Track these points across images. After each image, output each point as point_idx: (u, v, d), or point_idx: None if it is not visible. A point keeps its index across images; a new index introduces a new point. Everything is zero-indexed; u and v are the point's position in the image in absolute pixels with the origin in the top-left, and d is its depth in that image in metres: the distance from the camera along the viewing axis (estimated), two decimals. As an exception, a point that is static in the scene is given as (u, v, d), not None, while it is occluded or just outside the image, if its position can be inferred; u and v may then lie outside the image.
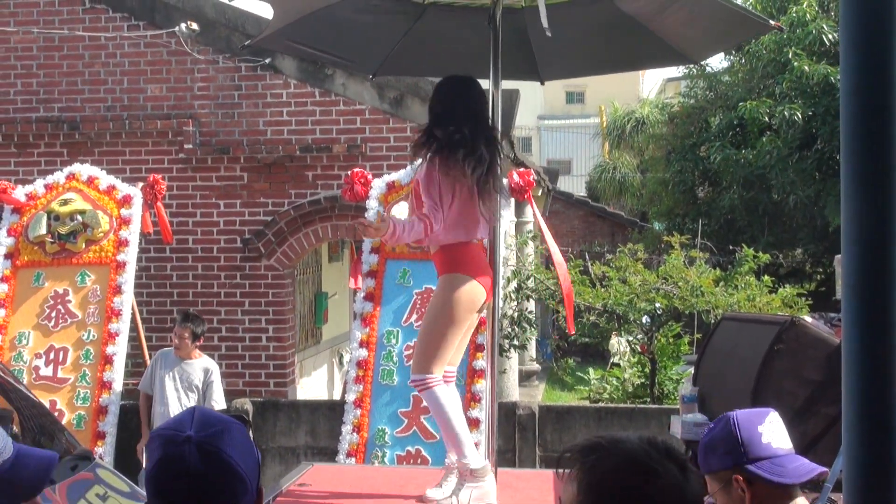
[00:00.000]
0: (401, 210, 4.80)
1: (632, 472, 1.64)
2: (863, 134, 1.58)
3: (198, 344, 7.38)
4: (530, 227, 12.65)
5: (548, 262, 12.73)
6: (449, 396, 4.55)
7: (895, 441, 1.58)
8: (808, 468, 2.50)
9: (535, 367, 14.94)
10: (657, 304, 10.10)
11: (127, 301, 7.99)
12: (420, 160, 4.54)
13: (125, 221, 8.24)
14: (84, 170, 8.54)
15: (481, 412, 7.02)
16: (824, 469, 2.54)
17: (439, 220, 4.37)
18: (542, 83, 5.70)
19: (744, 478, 2.47)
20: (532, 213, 8.18)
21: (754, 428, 2.52)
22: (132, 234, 8.21)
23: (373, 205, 7.98)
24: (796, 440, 5.37)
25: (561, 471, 1.72)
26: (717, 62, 25.54)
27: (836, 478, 4.09)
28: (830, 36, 14.38)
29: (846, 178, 1.59)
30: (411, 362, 4.63)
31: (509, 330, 9.47)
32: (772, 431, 2.54)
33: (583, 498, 1.68)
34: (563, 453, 1.77)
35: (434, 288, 4.71)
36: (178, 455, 1.78)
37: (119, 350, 7.84)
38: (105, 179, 8.46)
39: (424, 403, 4.74)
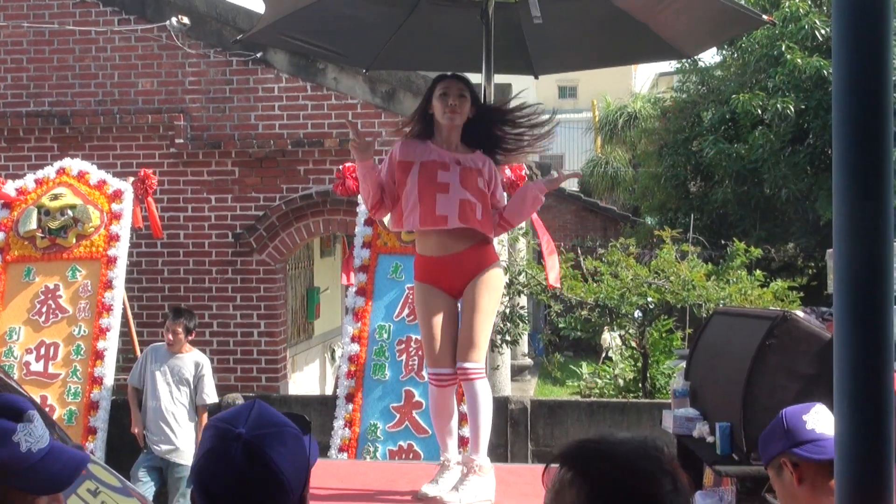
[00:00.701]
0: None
1: (634, 482, 1.63)
2: (855, 128, 1.58)
3: (189, 338, 7.37)
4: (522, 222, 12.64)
5: (539, 256, 12.74)
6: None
7: (886, 434, 1.58)
8: None
9: (528, 362, 14.95)
10: (649, 299, 10.12)
11: (118, 296, 7.97)
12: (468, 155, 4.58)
13: (116, 216, 8.21)
14: (74, 164, 8.50)
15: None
16: None
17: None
18: (536, 77, 5.70)
19: (790, 461, 2.72)
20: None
21: (799, 418, 2.77)
22: (123, 228, 8.18)
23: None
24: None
25: (554, 466, 1.71)
26: (709, 57, 25.55)
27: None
28: (823, 30, 14.38)
29: (838, 172, 1.59)
30: (464, 349, 4.52)
31: (501, 325, 9.47)
32: (816, 420, 2.76)
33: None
34: (559, 455, 1.75)
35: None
36: (224, 451, 1.79)
37: (110, 345, 7.81)
38: (96, 174, 8.42)
39: (475, 394, 4.65)
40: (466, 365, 4.52)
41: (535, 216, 7.23)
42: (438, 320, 4.58)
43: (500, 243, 9.45)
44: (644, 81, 36.75)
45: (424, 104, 4.61)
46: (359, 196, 8.04)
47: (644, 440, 1.69)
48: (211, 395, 7.32)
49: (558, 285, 7.76)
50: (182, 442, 7.18)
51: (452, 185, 4.45)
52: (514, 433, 8.23)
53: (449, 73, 4.63)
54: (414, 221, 4.50)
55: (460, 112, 4.49)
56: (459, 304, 4.65)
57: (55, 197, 8.19)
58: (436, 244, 4.53)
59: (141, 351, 7.98)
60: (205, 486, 1.82)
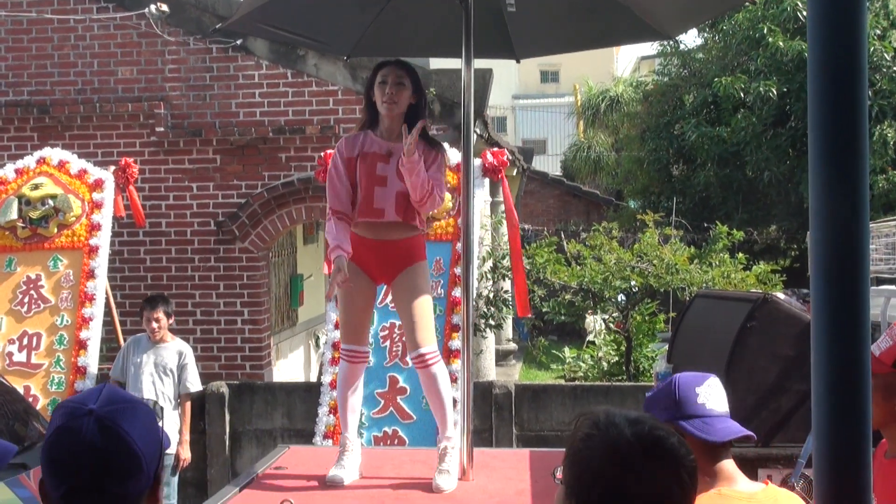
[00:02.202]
0: None
1: (612, 470, 1.62)
2: (831, 111, 1.58)
3: (170, 322, 7.34)
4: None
5: (523, 241, 12.75)
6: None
7: (864, 417, 1.59)
8: (734, 430, 2.61)
9: (512, 346, 14.98)
10: (632, 283, 10.15)
11: (100, 285, 7.93)
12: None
13: (97, 205, 8.17)
14: (55, 154, 8.45)
15: (457, 392, 7.02)
16: (750, 433, 2.63)
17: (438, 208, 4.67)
18: (518, 61, 5.68)
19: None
20: (504, 194, 8.17)
21: (692, 389, 2.64)
22: (104, 218, 8.14)
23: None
24: (769, 416, 5.41)
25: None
26: (691, 39, 25.59)
27: (808, 453, 4.13)
28: (805, 12, 14.40)
29: (814, 155, 1.59)
30: (416, 336, 4.60)
31: (485, 310, 9.48)
32: (708, 394, 2.64)
33: (568, 489, 1.67)
34: (573, 429, 1.75)
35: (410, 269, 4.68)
36: (76, 427, 1.76)
37: (93, 335, 7.78)
38: (76, 163, 8.37)
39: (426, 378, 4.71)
40: (423, 350, 4.60)
41: (513, 240, 7.39)
42: (359, 300, 4.68)
43: (483, 228, 9.47)
44: (626, 65, 36.79)
45: (367, 91, 4.65)
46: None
47: (640, 430, 1.65)
48: (195, 384, 7.30)
49: (529, 314, 7.90)
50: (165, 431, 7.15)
51: (389, 177, 4.52)
52: (499, 418, 8.25)
53: (391, 60, 4.66)
54: (354, 213, 4.59)
55: (398, 101, 4.52)
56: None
57: (36, 187, 8.14)
58: (370, 228, 4.60)
59: (125, 340, 7.95)
60: (56, 463, 1.78)
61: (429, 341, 4.61)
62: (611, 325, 11.61)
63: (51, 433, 1.80)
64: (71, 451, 1.76)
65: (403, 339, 7.34)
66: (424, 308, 4.62)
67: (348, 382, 4.79)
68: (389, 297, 7.56)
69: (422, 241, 4.75)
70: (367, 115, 4.69)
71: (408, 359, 7.27)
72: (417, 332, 4.59)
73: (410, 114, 4.57)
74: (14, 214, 8.06)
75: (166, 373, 7.18)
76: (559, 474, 1.73)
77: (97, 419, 1.76)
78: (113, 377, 7.40)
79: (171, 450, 7.15)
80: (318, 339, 13.17)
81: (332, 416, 7.38)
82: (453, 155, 7.21)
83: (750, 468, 4.35)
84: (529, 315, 8.45)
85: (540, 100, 34.62)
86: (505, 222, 10.64)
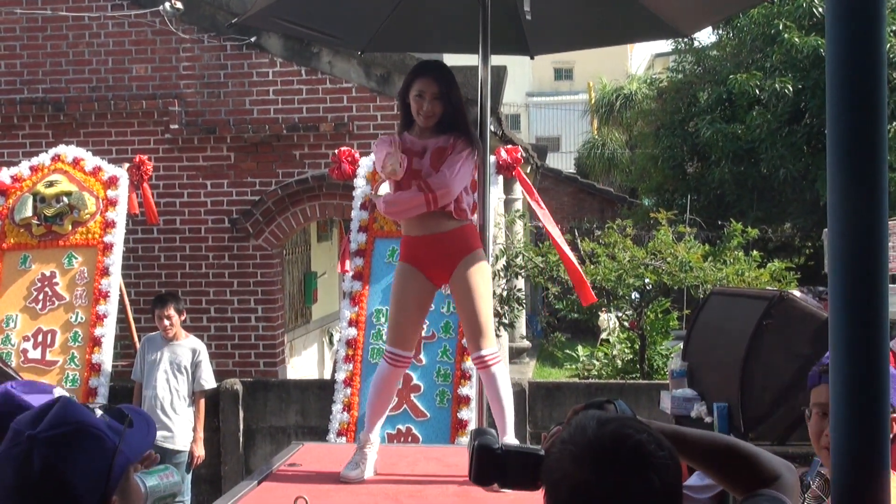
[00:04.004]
0: (385, 189, 4.82)
1: (576, 470, 1.60)
2: (849, 108, 1.57)
3: (182, 318, 7.36)
4: (518, 205, 12.63)
5: (536, 239, 12.74)
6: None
7: (882, 415, 1.58)
8: None
9: (526, 344, 14.97)
10: (646, 280, 10.11)
11: (114, 283, 7.96)
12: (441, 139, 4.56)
13: (112, 203, 8.19)
14: (69, 151, 8.49)
15: (471, 389, 7.03)
16: None
17: (465, 201, 4.59)
18: (532, 58, 5.67)
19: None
20: (522, 190, 8.14)
21: None
22: (119, 215, 8.16)
23: (360, 183, 7.95)
24: (785, 414, 5.39)
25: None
26: (705, 36, 25.51)
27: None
28: (821, 8, 14.33)
29: (832, 153, 1.58)
30: (476, 338, 4.57)
31: (499, 308, 9.47)
32: None
33: (545, 493, 1.67)
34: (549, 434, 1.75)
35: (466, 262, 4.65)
36: (11, 456, 1.73)
37: (107, 332, 7.81)
38: (91, 161, 8.40)
39: (493, 380, 4.67)
40: (483, 353, 4.58)
41: (557, 237, 7.32)
42: (411, 303, 4.66)
43: (496, 226, 9.46)
44: (640, 62, 36.72)
45: (403, 96, 4.64)
46: (354, 180, 8.03)
47: (604, 433, 1.63)
48: (209, 381, 7.32)
49: (595, 299, 7.78)
50: (178, 428, 7.16)
51: (424, 171, 4.52)
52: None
53: (429, 67, 4.64)
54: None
55: (433, 116, 4.54)
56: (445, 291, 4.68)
57: (51, 184, 8.17)
58: (418, 224, 4.60)
59: (139, 337, 7.98)
60: None
61: (489, 343, 4.58)
62: (625, 322, 11.59)
63: None
64: (3, 482, 1.73)
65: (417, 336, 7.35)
66: (484, 307, 4.59)
67: (385, 385, 4.76)
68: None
69: (473, 230, 4.70)
70: (403, 118, 4.69)
71: (421, 356, 7.30)
72: (479, 333, 4.58)
73: (445, 116, 4.58)
74: (29, 212, 8.09)
75: (180, 370, 7.20)
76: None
77: (33, 448, 1.71)
78: (135, 380, 7.42)
79: (186, 447, 7.18)
80: (331, 336, 13.19)
81: (345, 413, 7.38)
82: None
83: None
84: (595, 299, 8.29)
85: (554, 97, 34.58)
86: (518, 220, 10.63)
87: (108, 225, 8.10)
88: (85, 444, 1.75)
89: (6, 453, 1.74)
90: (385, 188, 4.79)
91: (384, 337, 7.51)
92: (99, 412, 1.86)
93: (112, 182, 8.27)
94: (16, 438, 1.74)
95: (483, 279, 4.61)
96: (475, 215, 4.80)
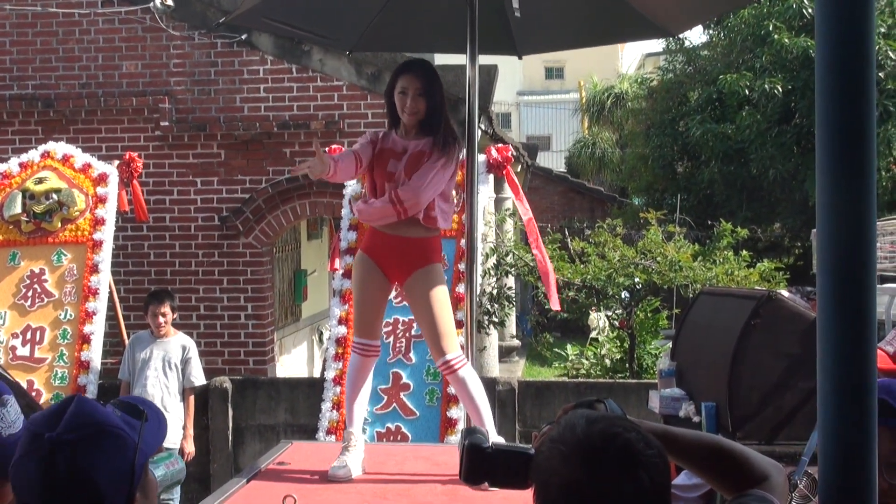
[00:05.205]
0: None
1: (565, 469, 1.60)
2: (838, 109, 1.57)
3: (174, 317, 7.35)
4: (509, 203, 12.64)
5: (526, 237, 12.74)
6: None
7: (869, 414, 1.58)
8: None
9: (515, 343, 14.98)
10: (636, 279, 10.13)
11: (104, 280, 7.94)
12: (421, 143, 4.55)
13: (101, 200, 8.17)
14: (59, 148, 8.46)
15: (461, 388, 7.02)
16: None
17: (438, 208, 4.57)
18: (520, 58, 5.67)
19: None
20: (510, 189, 8.15)
21: None
22: (108, 212, 8.14)
23: (350, 182, 7.94)
24: (773, 413, 5.41)
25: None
26: (696, 36, 25.58)
27: (812, 451, 4.12)
28: (810, 9, 14.36)
29: (821, 153, 1.59)
30: (438, 343, 4.57)
31: (489, 306, 9.47)
32: None
33: (535, 492, 1.67)
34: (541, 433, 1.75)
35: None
36: (34, 459, 1.72)
37: (96, 329, 7.79)
38: (80, 157, 8.38)
39: (455, 384, 4.69)
40: (447, 357, 4.57)
41: (532, 231, 7.36)
42: (371, 294, 4.69)
43: (486, 224, 9.47)
44: (631, 62, 36.76)
45: (388, 95, 4.66)
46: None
47: (593, 431, 1.63)
48: (199, 378, 7.31)
49: (557, 307, 7.86)
50: (169, 425, 7.14)
51: (398, 174, 4.53)
52: (502, 414, 8.24)
53: (413, 64, 4.65)
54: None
55: (416, 112, 4.55)
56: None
57: (40, 181, 8.14)
58: (388, 223, 4.60)
59: (128, 335, 7.96)
60: (17, 491, 1.75)
61: (452, 347, 4.58)
62: (614, 322, 11.60)
63: (15, 460, 1.75)
64: (27, 485, 1.73)
65: (407, 335, 7.35)
66: (443, 313, 4.58)
67: (358, 376, 4.80)
68: (393, 293, 7.56)
69: (437, 243, 4.70)
70: (390, 118, 4.70)
71: (411, 354, 7.30)
72: (439, 339, 4.57)
73: (427, 116, 4.57)
74: (18, 208, 8.07)
75: (170, 367, 7.19)
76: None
77: (55, 451, 1.70)
78: (122, 379, 7.40)
79: (176, 444, 7.17)
80: (321, 334, 13.18)
81: (335, 411, 7.38)
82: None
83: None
84: (560, 309, 8.42)
85: (545, 96, 34.59)
86: (508, 219, 10.65)
87: (98, 222, 8.08)
88: (107, 444, 1.74)
89: (27, 456, 1.73)
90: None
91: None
92: (112, 408, 1.84)
93: (102, 179, 8.25)
94: (35, 441, 1.72)
95: (437, 287, 4.60)
96: (463, 217, 4.80)
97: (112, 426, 1.77)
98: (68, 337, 7.77)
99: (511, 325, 14.23)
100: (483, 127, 10.14)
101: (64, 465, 1.70)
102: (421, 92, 4.52)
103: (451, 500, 4.22)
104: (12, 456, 1.88)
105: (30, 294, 7.92)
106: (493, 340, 11.34)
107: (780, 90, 14.55)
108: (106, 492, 1.72)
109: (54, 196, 8.07)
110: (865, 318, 1.57)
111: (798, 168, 14.80)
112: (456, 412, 7.09)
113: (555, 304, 7.55)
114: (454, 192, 7.34)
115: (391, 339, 7.48)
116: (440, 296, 4.59)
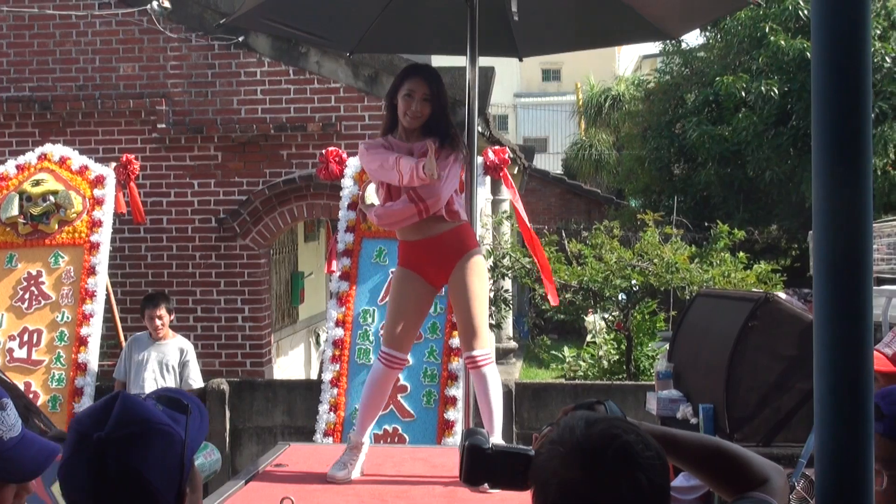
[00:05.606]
0: (372, 194, 4.81)
1: (564, 471, 1.60)
2: (835, 111, 1.58)
3: (171, 318, 7.35)
4: (506, 205, 12.65)
5: (523, 240, 12.75)
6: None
7: (866, 416, 1.59)
8: None
9: (513, 345, 14.97)
10: (633, 281, 10.14)
11: (101, 282, 7.93)
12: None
13: (98, 202, 8.17)
14: (56, 150, 8.45)
15: (458, 390, 7.04)
16: None
17: (457, 202, 4.60)
18: (521, 60, 5.68)
19: None
20: (507, 191, 8.16)
21: None
22: (105, 214, 8.14)
23: (348, 184, 7.95)
24: (770, 415, 5.41)
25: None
26: (693, 38, 25.60)
27: (809, 453, 4.13)
28: (807, 11, 14.38)
29: (817, 155, 1.59)
30: (469, 338, 4.58)
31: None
32: None
33: (533, 494, 1.67)
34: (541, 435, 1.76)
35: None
36: (84, 460, 1.71)
37: (94, 331, 7.78)
38: (77, 160, 8.37)
39: (481, 380, 4.66)
40: (475, 353, 4.59)
41: (528, 229, 7.38)
42: (408, 305, 4.67)
43: (483, 227, 9.48)
44: (628, 64, 36.77)
45: (391, 97, 4.64)
46: (342, 180, 8.02)
47: (589, 435, 1.62)
48: (196, 381, 7.31)
49: (556, 303, 7.89)
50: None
51: None
52: (499, 416, 8.25)
53: (420, 68, 4.66)
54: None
55: (421, 117, 4.55)
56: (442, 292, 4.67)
57: (37, 183, 8.14)
58: (413, 229, 4.61)
59: (125, 337, 7.96)
60: (68, 495, 1.74)
61: (481, 344, 4.59)
62: (611, 324, 11.61)
63: (63, 461, 1.75)
64: (78, 485, 1.73)
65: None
66: (479, 309, 4.60)
67: (379, 386, 4.77)
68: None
69: (468, 229, 4.70)
70: (388, 120, 4.68)
71: (408, 356, 7.29)
72: (472, 334, 4.59)
73: (432, 119, 4.58)
74: (15, 210, 8.06)
75: (168, 370, 7.18)
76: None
77: (105, 451, 1.70)
78: (117, 379, 7.40)
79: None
80: (318, 336, 13.18)
81: (332, 413, 7.38)
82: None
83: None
84: (557, 304, 8.46)
85: (541, 98, 34.61)
86: (505, 221, 10.66)
87: (95, 224, 8.07)
88: (155, 441, 1.74)
89: (76, 456, 1.72)
90: (372, 194, 4.78)
91: (371, 337, 7.52)
92: (153, 402, 1.83)
93: (99, 181, 8.25)
94: (83, 441, 1.72)
95: (479, 279, 4.62)
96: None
97: (160, 423, 1.76)
98: (65, 339, 7.77)
99: (508, 328, 14.22)
100: (480, 129, 10.14)
101: (114, 465, 1.69)
102: (427, 97, 4.52)
103: (449, 502, 4.23)
104: (11, 459, 1.88)
105: (27, 296, 7.91)
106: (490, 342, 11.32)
107: (777, 92, 14.57)
108: (158, 489, 1.72)
109: (51, 198, 8.06)
110: (862, 319, 1.57)
111: (795, 170, 14.82)
112: (453, 414, 7.09)
113: (554, 299, 7.54)
114: None
115: (469, 338, 7.44)
116: (479, 290, 4.60)
